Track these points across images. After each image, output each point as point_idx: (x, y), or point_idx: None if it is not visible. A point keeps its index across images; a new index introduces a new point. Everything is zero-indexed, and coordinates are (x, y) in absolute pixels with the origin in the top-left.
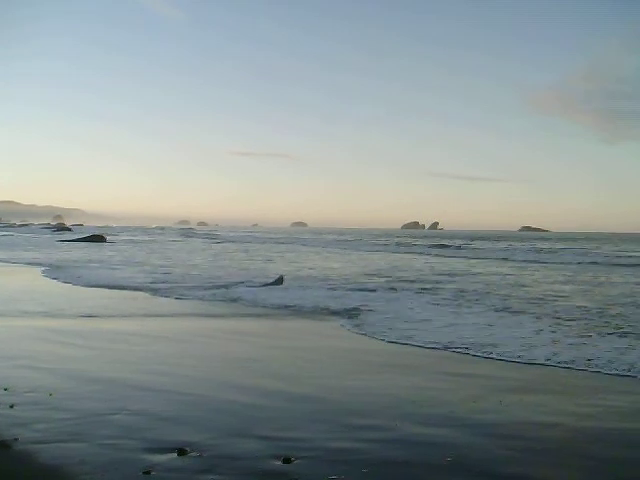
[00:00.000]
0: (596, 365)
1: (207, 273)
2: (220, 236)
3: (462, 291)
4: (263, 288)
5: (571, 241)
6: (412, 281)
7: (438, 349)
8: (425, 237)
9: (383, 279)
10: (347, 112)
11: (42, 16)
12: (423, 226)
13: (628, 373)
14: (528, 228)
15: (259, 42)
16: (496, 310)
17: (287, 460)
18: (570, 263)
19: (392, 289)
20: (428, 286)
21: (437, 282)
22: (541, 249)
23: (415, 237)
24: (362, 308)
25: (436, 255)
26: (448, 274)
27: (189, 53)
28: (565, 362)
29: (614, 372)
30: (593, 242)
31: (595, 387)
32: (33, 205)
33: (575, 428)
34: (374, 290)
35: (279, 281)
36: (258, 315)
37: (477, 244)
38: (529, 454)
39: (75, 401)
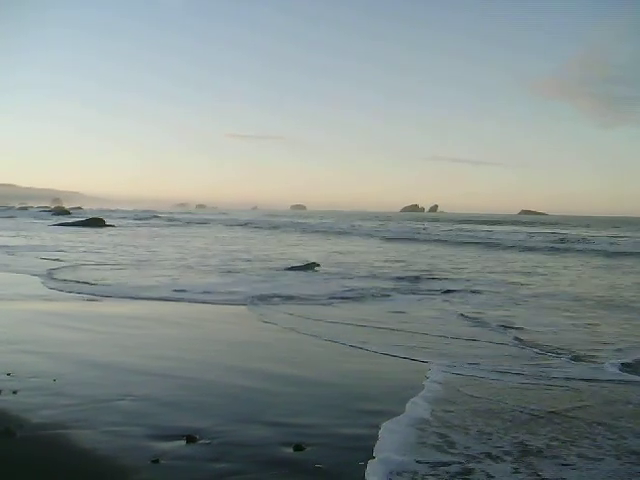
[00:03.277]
0: None
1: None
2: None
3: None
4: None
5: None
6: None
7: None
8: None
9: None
10: (347, 96)
11: (40, 6)
12: (422, 209)
13: None
14: (527, 212)
15: (256, 27)
16: None
17: (299, 447)
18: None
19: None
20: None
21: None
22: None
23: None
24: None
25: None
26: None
27: (186, 39)
28: None
29: None
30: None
31: None
32: (31, 188)
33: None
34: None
35: (310, 267)
36: (260, 300)
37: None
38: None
39: (79, 386)
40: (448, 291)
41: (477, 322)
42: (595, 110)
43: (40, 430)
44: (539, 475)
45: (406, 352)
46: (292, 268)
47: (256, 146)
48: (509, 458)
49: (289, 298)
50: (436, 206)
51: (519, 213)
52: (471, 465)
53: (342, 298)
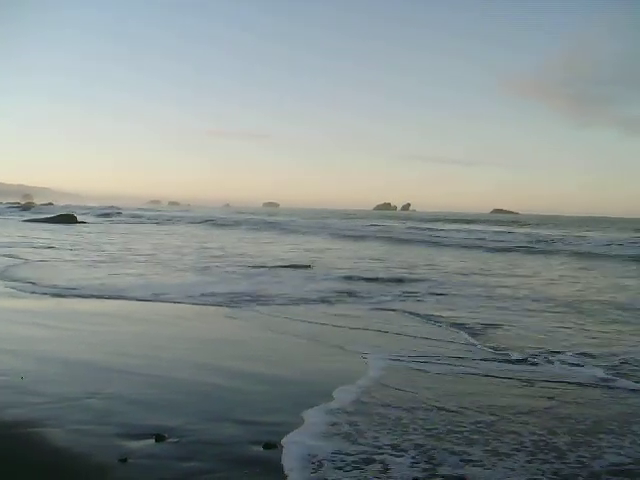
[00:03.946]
0: None
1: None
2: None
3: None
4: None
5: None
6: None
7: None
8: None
9: None
10: (321, 94)
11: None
12: (395, 207)
13: None
14: (499, 211)
15: (236, 24)
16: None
17: (269, 445)
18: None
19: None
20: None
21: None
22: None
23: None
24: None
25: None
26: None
27: (165, 34)
28: None
29: None
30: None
31: None
32: (3, 184)
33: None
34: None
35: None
36: (229, 298)
37: None
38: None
39: (47, 385)
40: (429, 293)
41: (446, 322)
42: (574, 110)
43: (10, 429)
44: (435, 470)
45: (377, 350)
46: (273, 267)
47: (230, 143)
48: (414, 451)
49: (265, 297)
50: (408, 204)
51: (491, 212)
52: (373, 455)
53: (319, 297)
